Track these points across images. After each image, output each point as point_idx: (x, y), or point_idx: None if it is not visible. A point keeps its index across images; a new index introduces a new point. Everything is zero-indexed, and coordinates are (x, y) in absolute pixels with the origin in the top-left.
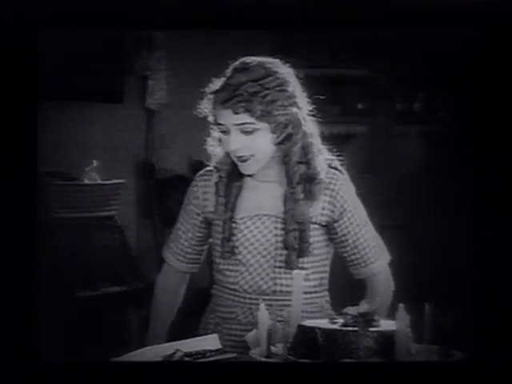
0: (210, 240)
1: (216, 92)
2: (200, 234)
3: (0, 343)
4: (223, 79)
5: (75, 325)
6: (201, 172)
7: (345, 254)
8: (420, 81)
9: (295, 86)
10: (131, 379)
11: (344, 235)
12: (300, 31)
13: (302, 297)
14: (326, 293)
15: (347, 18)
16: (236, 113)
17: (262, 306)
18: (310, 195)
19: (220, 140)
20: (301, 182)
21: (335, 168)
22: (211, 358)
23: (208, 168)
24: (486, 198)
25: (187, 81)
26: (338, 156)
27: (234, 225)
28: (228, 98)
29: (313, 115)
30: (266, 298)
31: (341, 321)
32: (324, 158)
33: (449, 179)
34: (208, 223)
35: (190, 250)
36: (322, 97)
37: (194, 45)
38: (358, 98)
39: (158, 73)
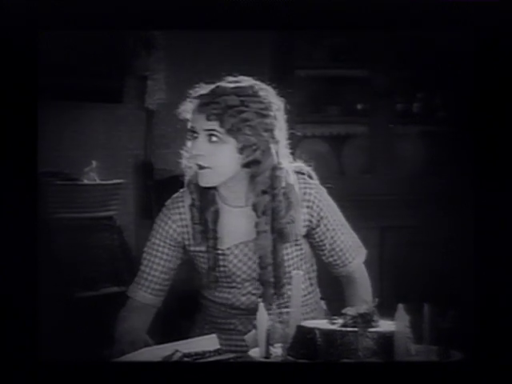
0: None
1: (200, 96)
2: (176, 265)
3: (0, 343)
4: (211, 87)
5: (75, 325)
6: (169, 201)
7: (323, 257)
8: (420, 81)
9: (278, 119)
10: (131, 379)
11: (321, 240)
12: (300, 31)
13: (300, 297)
14: (317, 290)
15: (347, 17)
16: (208, 119)
17: (261, 306)
18: (276, 231)
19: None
20: (266, 213)
21: (302, 173)
22: (210, 359)
23: (176, 195)
24: (487, 197)
25: (187, 81)
26: (306, 160)
27: (221, 256)
28: (206, 103)
29: (291, 152)
30: None
31: (340, 321)
32: (300, 199)
33: (449, 179)
34: (185, 252)
35: (167, 283)
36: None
37: (194, 45)
38: (357, 98)
39: (158, 73)
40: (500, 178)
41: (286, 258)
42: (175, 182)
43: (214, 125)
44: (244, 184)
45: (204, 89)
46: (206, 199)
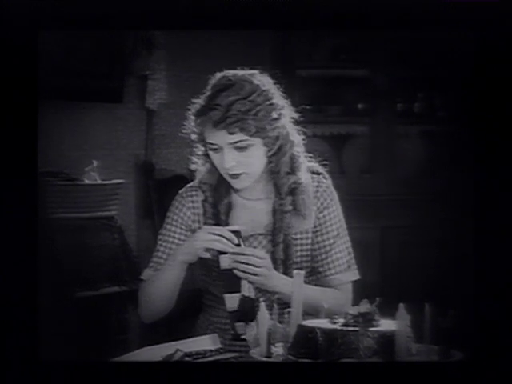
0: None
1: (203, 113)
2: None
3: (0, 343)
4: (205, 98)
5: (75, 325)
6: (184, 190)
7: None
8: (420, 81)
9: (279, 96)
10: (131, 379)
11: (317, 242)
12: (300, 31)
13: (302, 296)
14: None
15: (347, 18)
16: (231, 133)
17: (262, 305)
18: (297, 208)
19: (206, 156)
20: (289, 193)
21: (318, 173)
22: (211, 358)
23: (190, 185)
24: (487, 197)
25: (187, 81)
26: (321, 160)
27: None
28: (221, 119)
29: (296, 122)
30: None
31: (341, 321)
32: (306, 167)
33: (449, 179)
34: None
35: None
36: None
37: (194, 45)
38: (358, 98)
39: (158, 73)
40: (500, 178)
41: (297, 242)
42: (176, 182)
43: (238, 136)
44: (262, 177)
45: (200, 102)
46: (220, 193)
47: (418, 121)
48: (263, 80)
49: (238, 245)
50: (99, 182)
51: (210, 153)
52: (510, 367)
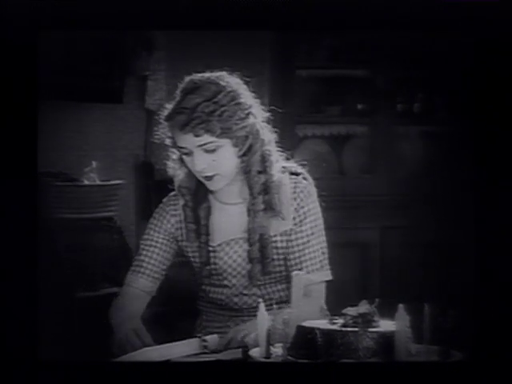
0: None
1: (171, 117)
2: (172, 257)
3: (0, 343)
4: (174, 102)
5: (75, 325)
6: (166, 199)
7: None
8: (420, 81)
9: (247, 96)
10: (131, 379)
11: (290, 241)
12: (300, 31)
13: (301, 297)
14: None
15: (347, 18)
16: (197, 135)
17: (262, 306)
18: (272, 207)
19: (181, 160)
20: (261, 192)
21: (296, 174)
22: (212, 359)
23: (173, 194)
24: (487, 198)
25: None
26: (299, 161)
27: (212, 253)
28: (186, 122)
29: (267, 122)
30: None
31: (340, 321)
32: (281, 166)
33: (449, 179)
34: (179, 247)
35: (163, 273)
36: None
37: (194, 45)
38: (358, 98)
39: (158, 73)
40: (500, 178)
41: (277, 244)
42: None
43: (205, 138)
44: (237, 179)
45: (170, 107)
46: (198, 198)
47: (418, 121)
48: (230, 81)
49: None
50: (99, 182)
51: (183, 157)
52: (510, 367)
